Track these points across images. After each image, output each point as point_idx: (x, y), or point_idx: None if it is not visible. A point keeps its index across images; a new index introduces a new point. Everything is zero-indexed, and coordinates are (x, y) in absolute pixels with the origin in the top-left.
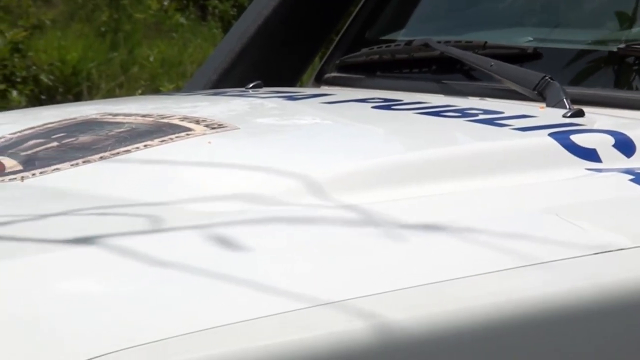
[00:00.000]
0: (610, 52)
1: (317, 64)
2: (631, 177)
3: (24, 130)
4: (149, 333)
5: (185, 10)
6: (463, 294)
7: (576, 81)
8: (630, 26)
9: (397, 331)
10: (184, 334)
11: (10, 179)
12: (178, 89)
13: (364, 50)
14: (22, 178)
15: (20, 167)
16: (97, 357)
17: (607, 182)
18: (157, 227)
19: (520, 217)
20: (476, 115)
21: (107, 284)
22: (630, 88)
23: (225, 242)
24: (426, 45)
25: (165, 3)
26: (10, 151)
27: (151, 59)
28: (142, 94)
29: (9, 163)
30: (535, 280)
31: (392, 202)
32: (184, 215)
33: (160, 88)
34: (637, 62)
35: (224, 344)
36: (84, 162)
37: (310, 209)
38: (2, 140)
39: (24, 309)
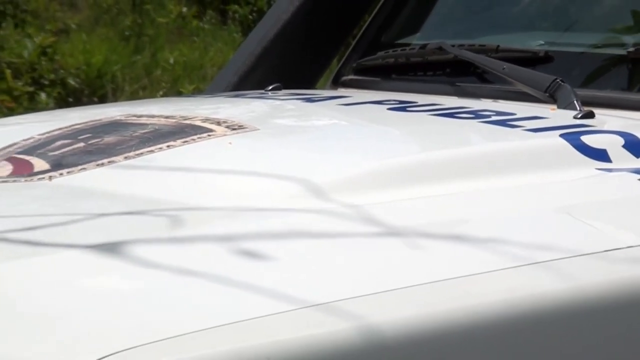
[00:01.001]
0: (620, 55)
1: (334, 66)
2: None
3: (52, 131)
4: (158, 332)
5: (203, 18)
6: (474, 292)
7: (587, 83)
8: None
9: (403, 330)
10: (180, 335)
11: (39, 179)
12: (199, 91)
13: (380, 53)
14: (50, 177)
15: (48, 167)
16: (109, 355)
17: (617, 181)
18: (176, 228)
19: (532, 216)
20: (489, 116)
21: (122, 283)
22: (639, 90)
23: (242, 246)
24: (440, 49)
25: (185, 10)
26: (39, 151)
27: (172, 61)
28: (165, 96)
29: (38, 163)
30: (546, 278)
31: (409, 201)
32: (204, 217)
33: (182, 90)
34: None
35: (225, 343)
36: (109, 162)
37: (331, 209)
38: (31, 140)
39: (40, 308)
